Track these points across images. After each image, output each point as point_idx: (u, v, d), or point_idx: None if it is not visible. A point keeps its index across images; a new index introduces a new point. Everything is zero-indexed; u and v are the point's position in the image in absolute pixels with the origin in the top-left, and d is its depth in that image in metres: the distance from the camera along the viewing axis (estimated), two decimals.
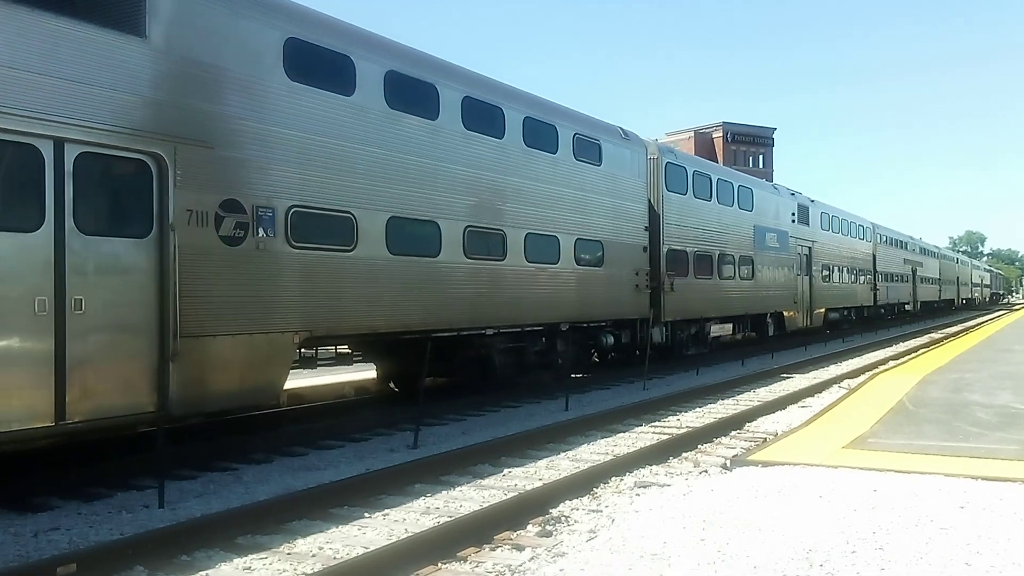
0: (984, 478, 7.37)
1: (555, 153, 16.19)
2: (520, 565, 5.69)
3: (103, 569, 5.95)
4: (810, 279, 31.02)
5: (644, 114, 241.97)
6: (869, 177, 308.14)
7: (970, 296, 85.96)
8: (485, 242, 14.15)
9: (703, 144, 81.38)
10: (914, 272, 53.16)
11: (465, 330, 13.75)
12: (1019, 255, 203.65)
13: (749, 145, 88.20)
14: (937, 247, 67.98)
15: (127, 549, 6.24)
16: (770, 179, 69.72)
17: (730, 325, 24.83)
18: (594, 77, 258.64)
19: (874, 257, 42.06)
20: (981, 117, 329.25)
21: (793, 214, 29.62)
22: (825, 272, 33.14)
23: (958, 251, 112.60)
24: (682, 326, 21.54)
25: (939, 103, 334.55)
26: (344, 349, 15.85)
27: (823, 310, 32.62)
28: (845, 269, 36.39)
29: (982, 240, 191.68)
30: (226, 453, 10.18)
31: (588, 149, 17.36)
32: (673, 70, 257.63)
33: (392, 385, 15.58)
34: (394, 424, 12.25)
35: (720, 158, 77.11)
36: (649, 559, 5.46)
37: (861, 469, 7.85)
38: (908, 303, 51.55)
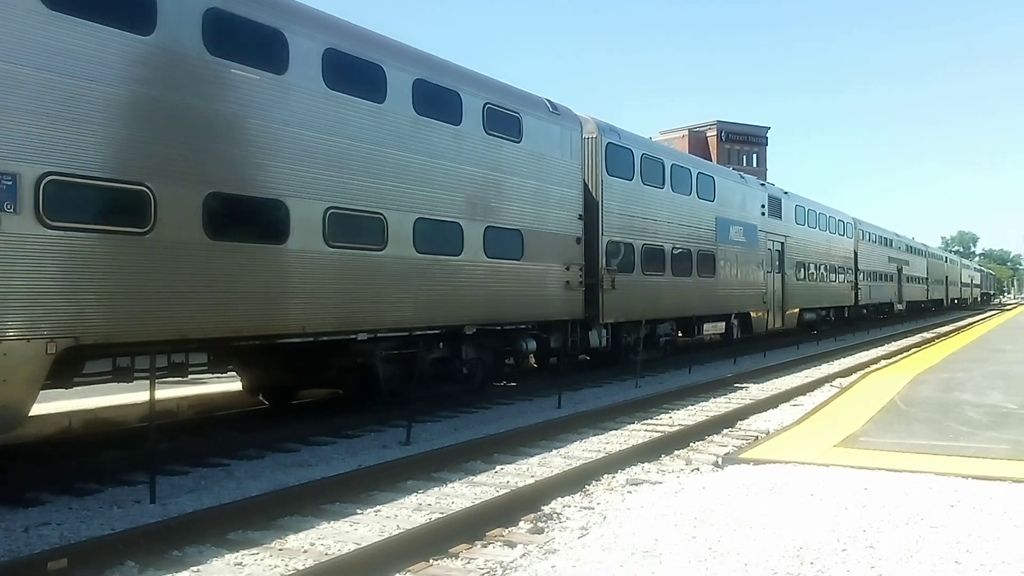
0: (974, 477, 7.39)
1: (458, 125, 13.67)
2: (512, 562, 5.69)
3: (94, 564, 5.94)
4: (782, 277, 28.97)
5: (638, 113, 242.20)
6: (862, 177, 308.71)
7: (960, 296, 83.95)
8: (357, 228, 11.68)
9: (697, 143, 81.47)
10: (900, 271, 51.24)
11: (327, 335, 11.36)
12: (1011, 255, 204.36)
13: (743, 144, 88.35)
14: (925, 245, 65.84)
15: (118, 544, 6.24)
16: (764, 178, 69.90)
17: (706, 327, 23.58)
18: (588, 75, 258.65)
19: (856, 254, 39.97)
20: (974, 118, 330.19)
21: (763, 206, 27.47)
22: (800, 270, 31.01)
23: (950, 251, 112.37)
24: (629, 328, 19.31)
25: (932, 103, 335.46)
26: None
27: (797, 310, 30.69)
28: (823, 267, 34.22)
29: (974, 240, 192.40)
30: (218, 449, 10.17)
31: (504, 122, 14.84)
32: (667, 69, 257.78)
33: (262, 398, 13.60)
34: (386, 421, 12.24)
35: (714, 157, 77.20)
36: (640, 556, 5.47)
37: (852, 468, 7.87)
38: (893, 303, 49.71)
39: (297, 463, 9.77)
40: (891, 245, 49.42)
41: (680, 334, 22.90)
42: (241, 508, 7.28)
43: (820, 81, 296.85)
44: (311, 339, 11.10)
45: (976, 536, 5.72)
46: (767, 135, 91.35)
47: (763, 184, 29.26)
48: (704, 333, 23.71)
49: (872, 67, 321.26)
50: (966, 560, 5.25)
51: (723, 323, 24.70)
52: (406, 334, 12.80)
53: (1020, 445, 8.71)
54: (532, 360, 17.86)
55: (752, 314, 26.03)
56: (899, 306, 50.55)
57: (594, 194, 17.86)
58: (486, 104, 14.39)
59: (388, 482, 8.51)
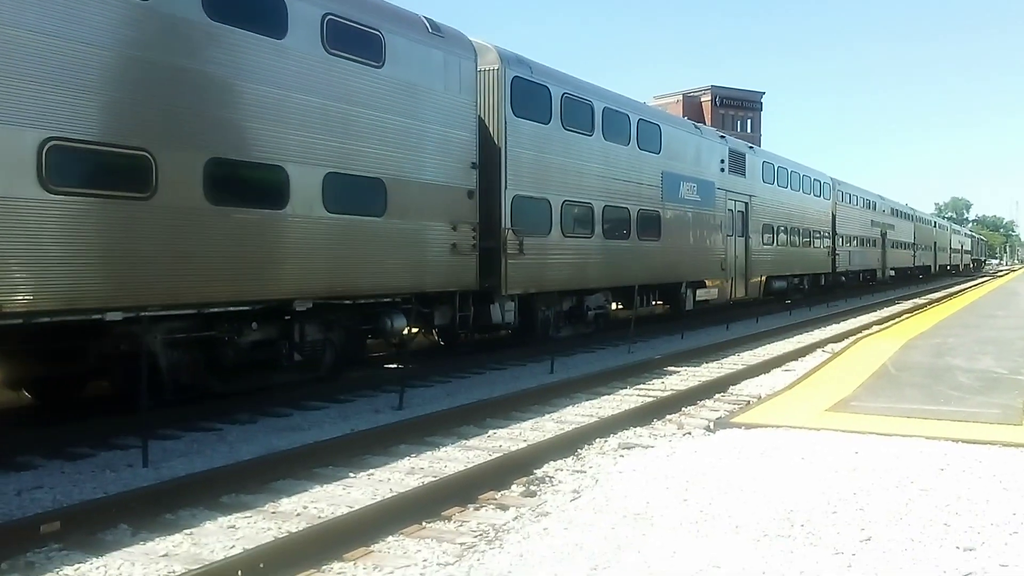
0: (964, 441, 7.44)
1: (281, 39, 10.58)
2: (504, 524, 5.72)
3: (87, 527, 5.95)
4: (746, 241, 26.22)
5: (632, 77, 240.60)
6: (856, 144, 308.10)
7: (948, 263, 79.99)
8: (106, 170, 8.76)
9: (691, 108, 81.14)
10: (884, 236, 47.76)
11: (50, 315, 8.35)
12: (1004, 221, 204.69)
13: (737, 109, 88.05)
14: (912, 209, 62.07)
15: (111, 507, 6.25)
16: (758, 144, 69.70)
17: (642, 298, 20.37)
18: (581, 38, 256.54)
19: (833, 217, 36.67)
20: (968, 83, 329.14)
21: (723, 161, 24.50)
22: (767, 233, 28.14)
23: (944, 217, 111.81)
24: (547, 301, 16.69)
25: (926, 68, 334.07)
26: None
27: (762, 278, 27.89)
28: (795, 230, 31.08)
29: (968, 207, 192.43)
30: (210, 413, 10.16)
31: (356, 41, 11.72)
32: (661, 33, 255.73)
33: (26, 392, 10.43)
34: (379, 386, 12.25)
35: (708, 121, 76.83)
36: (632, 519, 5.50)
37: (843, 432, 7.91)
38: (877, 270, 46.42)
39: (290, 427, 9.78)
40: (874, 208, 46.42)
41: (620, 306, 20.79)
42: (234, 471, 7.29)
43: (815, 47, 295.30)
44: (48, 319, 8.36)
45: (965, 499, 5.76)
46: (762, 100, 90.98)
47: (723, 136, 25.98)
48: (651, 304, 21.50)
49: (867, 31, 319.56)
50: (955, 523, 5.29)
51: (676, 292, 22.16)
52: (194, 312, 9.88)
53: (1010, 409, 8.77)
54: (425, 335, 15.02)
55: (708, 283, 23.58)
56: (884, 273, 47.93)
57: (495, 139, 14.87)
58: (327, 15, 11.21)
59: (381, 446, 8.53)
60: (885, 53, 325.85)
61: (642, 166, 19.86)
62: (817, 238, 34.17)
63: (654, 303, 21.72)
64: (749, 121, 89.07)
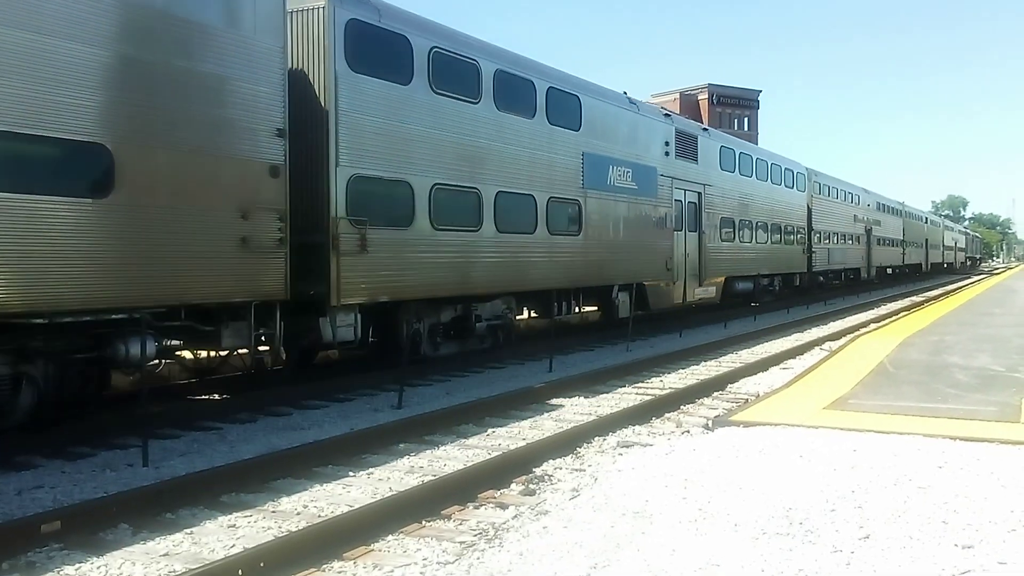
0: (962, 438, 7.47)
1: None
2: (504, 523, 5.74)
3: (87, 527, 5.95)
4: (699, 237, 22.93)
5: (630, 75, 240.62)
6: (852, 142, 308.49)
7: (941, 261, 75.76)
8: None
9: (689, 105, 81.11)
10: (869, 232, 44.09)
11: None
12: (1001, 219, 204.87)
13: (735, 107, 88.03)
14: (902, 203, 57.55)
15: (111, 507, 6.25)
16: (755, 141, 69.70)
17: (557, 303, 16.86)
18: (578, 36, 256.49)
19: (809, 211, 33.24)
20: (964, 82, 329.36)
21: (667, 144, 21.00)
22: (726, 228, 24.83)
23: (940, 215, 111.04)
24: (416, 311, 13.34)
25: (924, 66, 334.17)
26: None
27: (721, 279, 24.55)
28: (762, 225, 27.68)
29: (964, 204, 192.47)
30: (210, 413, 10.18)
31: None
32: (659, 31, 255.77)
33: None
34: (378, 385, 12.25)
35: (705, 119, 76.79)
36: (631, 517, 5.52)
37: (841, 429, 7.94)
38: (861, 269, 42.65)
39: (289, 426, 9.79)
40: (857, 202, 42.76)
41: (534, 314, 18.27)
42: (234, 471, 7.30)
43: (812, 44, 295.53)
44: None
45: (963, 496, 5.78)
46: (759, 98, 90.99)
47: (668, 115, 22.44)
48: (573, 312, 18.17)
49: (865, 28, 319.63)
50: (953, 520, 5.31)
51: (607, 296, 18.74)
52: None
53: (1007, 407, 8.80)
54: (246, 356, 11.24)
55: (650, 285, 19.94)
56: (869, 273, 44.20)
57: (321, 99, 11.42)
58: None
59: (380, 445, 8.54)
60: (883, 51, 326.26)
61: (554, 145, 16.34)
62: (790, 234, 30.76)
63: (576, 309, 18.29)
64: (746, 119, 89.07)
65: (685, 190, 22.16)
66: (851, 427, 8.01)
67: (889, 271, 51.70)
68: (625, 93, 19.92)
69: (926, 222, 68.79)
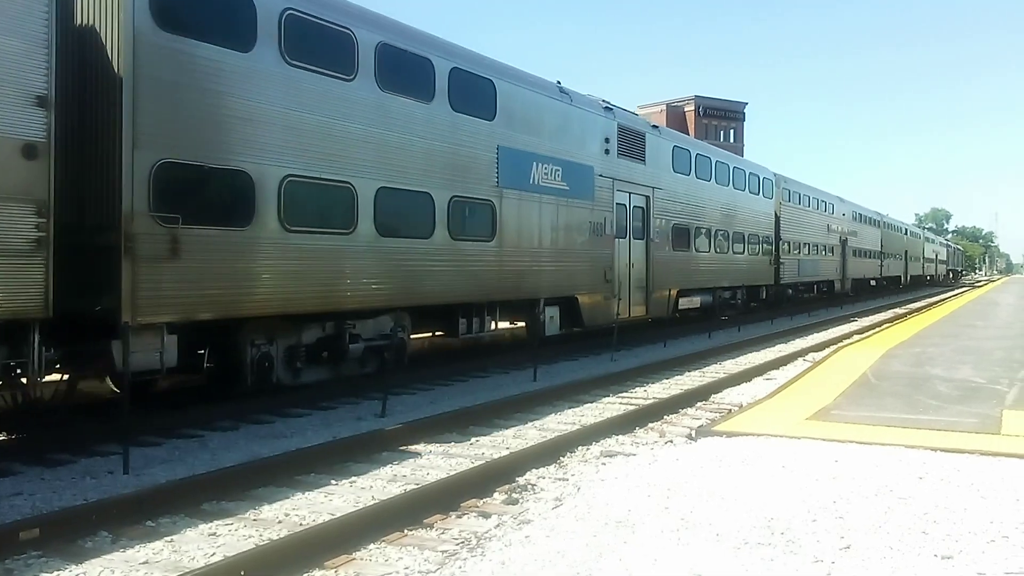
0: (943, 450, 7.51)
1: None
2: (486, 532, 5.73)
3: (67, 534, 5.91)
4: (647, 245, 20.75)
5: (617, 87, 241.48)
6: (837, 156, 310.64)
7: (922, 273, 74.01)
8: None
9: (675, 117, 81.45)
10: (844, 243, 42.13)
11: None
12: (983, 232, 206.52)
13: (721, 119, 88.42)
14: (880, 213, 55.34)
15: (91, 515, 6.20)
16: (741, 153, 70.00)
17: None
18: (566, 49, 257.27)
19: (777, 220, 31.18)
20: (948, 94, 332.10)
21: (607, 141, 18.82)
22: (679, 236, 22.64)
23: (924, 227, 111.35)
24: (273, 331, 11.21)
25: (908, 81, 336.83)
26: None
27: (672, 292, 22.21)
28: (722, 234, 25.64)
29: (947, 217, 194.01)
30: (192, 420, 10.11)
31: None
32: (646, 43, 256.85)
33: None
34: (361, 393, 12.22)
35: (692, 131, 77.22)
36: (614, 526, 5.52)
37: (823, 440, 7.97)
38: (835, 281, 40.80)
39: (272, 434, 9.75)
40: (832, 211, 40.68)
41: (438, 333, 16.14)
42: (215, 479, 7.26)
43: (799, 61, 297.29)
44: None
45: (944, 507, 5.82)
46: (744, 110, 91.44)
47: (610, 108, 19.58)
48: (490, 330, 15.81)
49: (850, 43, 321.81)
50: (933, 531, 5.34)
51: (530, 311, 16.53)
52: None
53: (988, 419, 8.86)
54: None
55: (584, 299, 17.81)
56: (844, 285, 42.26)
57: (115, 63, 9.10)
58: None
59: (363, 453, 8.52)
60: (869, 66, 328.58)
61: (459, 135, 14.11)
62: (755, 244, 28.66)
63: (494, 326, 15.90)
64: (732, 131, 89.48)
65: (630, 193, 19.93)
66: (833, 438, 8.04)
67: (873, 283, 50.96)
68: (558, 82, 17.75)
69: (906, 233, 66.76)
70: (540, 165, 16.31)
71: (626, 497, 6.22)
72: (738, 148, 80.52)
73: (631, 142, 20.02)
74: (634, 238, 20.17)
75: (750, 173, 28.62)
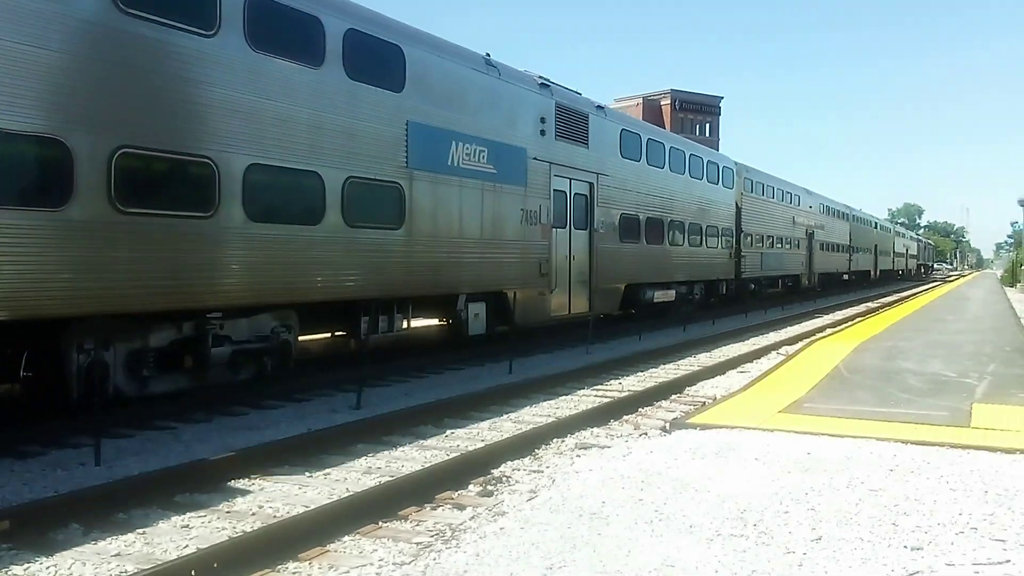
0: (914, 442, 7.59)
1: None
2: (461, 524, 5.73)
3: (37, 526, 5.85)
4: (590, 236, 19.10)
5: (594, 80, 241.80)
6: (811, 151, 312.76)
7: (892, 268, 72.35)
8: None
9: (651, 111, 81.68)
10: (811, 236, 40.64)
11: None
12: (955, 227, 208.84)
13: (697, 113, 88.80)
14: (849, 206, 53.64)
15: (62, 507, 6.15)
16: (716, 147, 70.25)
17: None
18: (541, 40, 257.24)
19: (739, 211, 29.73)
20: (920, 95, 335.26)
21: (543, 121, 17.12)
22: (627, 227, 20.92)
23: (896, 222, 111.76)
24: (110, 333, 9.41)
25: (881, 75, 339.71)
26: None
27: (620, 286, 20.67)
28: (676, 225, 24.04)
29: (920, 212, 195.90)
30: (165, 412, 10.04)
31: None
32: (624, 36, 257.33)
33: None
34: (337, 385, 12.18)
35: (668, 125, 77.50)
36: (588, 518, 5.54)
37: (796, 432, 8.03)
38: (801, 276, 39.37)
39: (245, 426, 9.70)
40: (798, 203, 38.94)
41: (340, 333, 14.24)
42: (188, 471, 7.22)
43: (776, 57, 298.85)
44: None
45: (913, 499, 5.88)
46: (720, 104, 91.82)
47: (547, 85, 17.69)
48: (402, 329, 13.86)
49: (829, 39, 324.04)
50: (903, 522, 5.40)
51: (451, 308, 14.96)
52: None
53: (958, 412, 8.96)
54: None
55: (515, 295, 15.92)
56: (811, 280, 40.92)
57: None
58: None
59: (338, 446, 8.50)
60: (843, 61, 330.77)
61: (357, 107, 12.24)
62: (713, 236, 27.06)
63: (405, 325, 13.97)
64: (708, 125, 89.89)
65: (570, 179, 18.27)
66: (806, 430, 8.11)
67: (846, 277, 50.62)
68: (487, 55, 15.92)
69: (876, 227, 64.92)
70: (461, 145, 14.48)
71: (600, 489, 6.24)
72: (714, 142, 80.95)
73: (571, 123, 18.36)
74: (575, 228, 18.57)
75: (708, 161, 27.03)
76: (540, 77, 17.61)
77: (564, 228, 18.09)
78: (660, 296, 22.89)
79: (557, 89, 18.11)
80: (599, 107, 20.24)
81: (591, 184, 19.14)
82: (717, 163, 27.90)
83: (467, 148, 14.66)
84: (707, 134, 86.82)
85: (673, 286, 23.77)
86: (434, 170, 13.84)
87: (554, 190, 17.58)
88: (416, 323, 14.88)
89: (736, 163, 30.05)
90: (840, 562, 4.75)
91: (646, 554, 4.88)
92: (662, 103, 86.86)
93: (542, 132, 17.11)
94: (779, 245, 35.46)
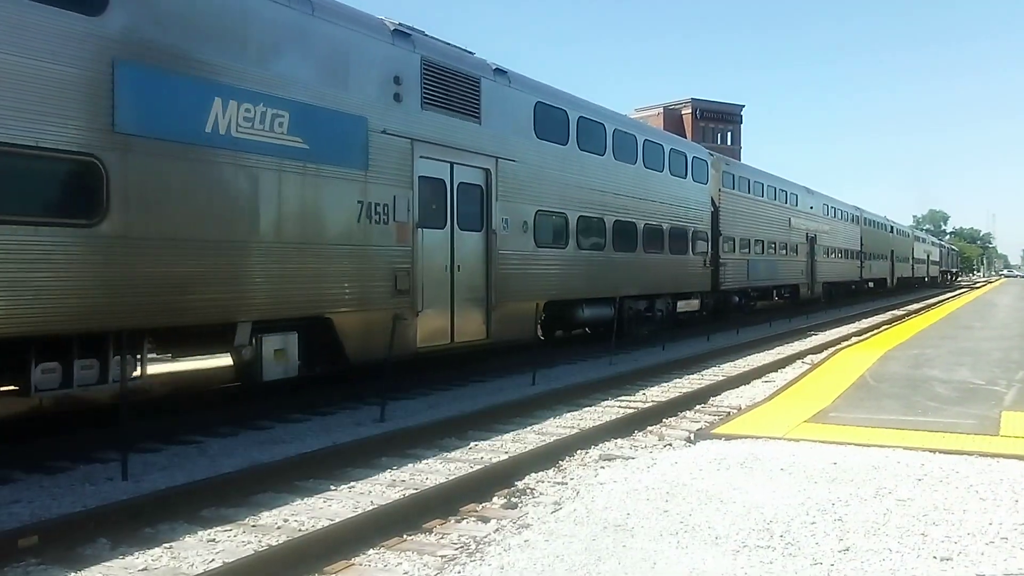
0: (942, 451, 7.51)
1: None
2: (485, 536, 5.72)
3: (65, 541, 5.90)
4: (485, 239, 14.70)
5: (615, 89, 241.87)
6: (835, 160, 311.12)
7: (911, 275, 67.82)
8: None
9: (672, 120, 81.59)
10: (813, 241, 36.47)
11: None
12: (981, 234, 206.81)
13: (718, 122, 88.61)
14: (860, 208, 48.98)
15: (89, 521, 6.20)
16: (738, 156, 70.00)
17: None
18: (564, 51, 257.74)
19: (716, 210, 25.50)
20: (947, 98, 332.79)
21: (398, 82, 12.73)
22: (546, 227, 16.47)
23: (921, 229, 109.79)
24: None
25: (906, 81, 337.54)
26: None
27: (533, 305, 15.76)
28: (622, 227, 19.24)
29: (945, 219, 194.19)
30: (191, 427, 10.10)
31: None
32: (645, 46, 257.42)
33: None
34: (361, 398, 12.22)
35: (689, 134, 77.43)
36: (612, 530, 5.52)
37: (822, 442, 7.97)
38: (801, 286, 35.17)
39: (271, 440, 9.74)
40: (795, 203, 34.63)
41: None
42: (214, 485, 7.26)
43: (797, 63, 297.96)
44: None
45: (942, 509, 5.82)
46: (742, 113, 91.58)
47: (407, 34, 13.21)
48: (135, 377, 9.47)
49: (848, 42, 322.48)
50: (932, 533, 5.34)
51: (239, 340, 10.45)
52: None
53: (986, 420, 8.86)
54: None
55: (348, 320, 11.82)
56: (812, 290, 36.71)
57: None
58: None
59: (362, 459, 8.51)
60: (866, 69, 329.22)
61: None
62: (680, 240, 22.47)
63: (137, 372, 9.63)
64: (729, 133, 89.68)
65: (452, 164, 13.82)
66: (832, 440, 8.04)
67: (872, 284, 48.24)
68: None
69: (892, 231, 59.92)
70: (236, 105, 10.19)
71: (625, 500, 6.22)
72: (735, 151, 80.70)
73: (450, 88, 13.83)
74: (462, 229, 14.11)
75: (672, 150, 22.34)
76: (398, 23, 13.09)
77: (442, 229, 13.68)
78: (597, 314, 18.39)
79: (424, 40, 13.53)
80: (499, 71, 15.41)
81: (487, 172, 14.71)
82: (685, 153, 23.26)
83: (248, 110, 10.34)
84: (728, 142, 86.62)
85: (623, 303, 19.50)
86: (176, 137, 9.50)
87: (421, 177, 13.06)
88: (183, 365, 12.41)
89: (712, 154, 26.02)
90: (868, 573, 4.70)
91: (672, 566, 4.85)
92: (683, 112, 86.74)
93: (396, 97, 12.67)
94: (771, 251, 31.31)
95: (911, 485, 6.45)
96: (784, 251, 32.80)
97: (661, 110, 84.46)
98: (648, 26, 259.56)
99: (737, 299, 28.50)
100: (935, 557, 4.92)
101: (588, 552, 5.12)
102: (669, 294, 22.15)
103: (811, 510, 5.83)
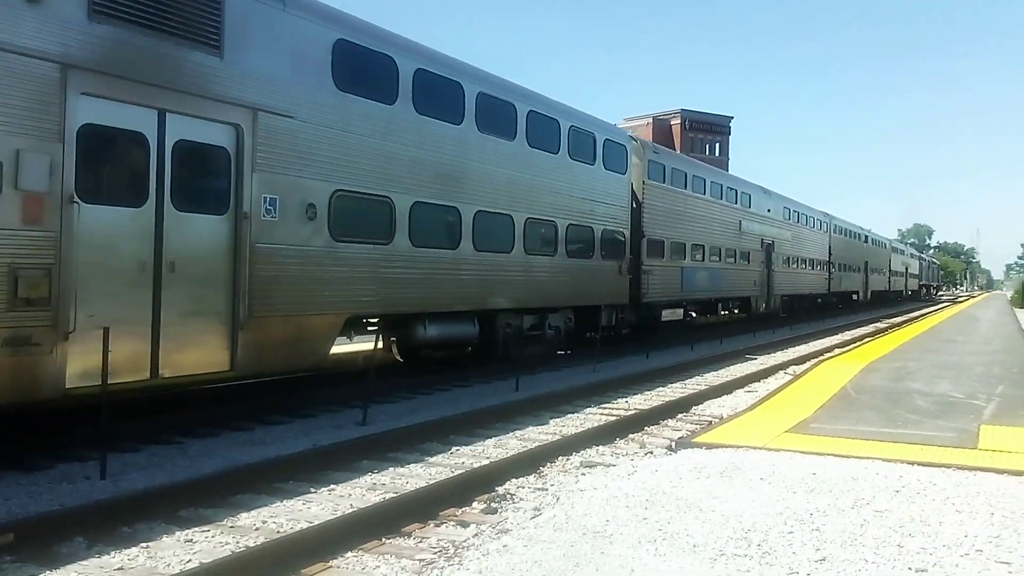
0: (920, 463, 7.56)
1: None
2: (464, 541, 5.72)
3: (42, 540, 5.87)
4: (234, 226, 10.31)
5: (604, 100, 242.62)
6: (820, 172, 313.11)
7: (887, 288, 63.12)
8: None
9: (661, 131, 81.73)
10: (769, 250, 32.40)
11: None
12: (965, 248, 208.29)
13: (707, 133, 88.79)
14: (829, 215, 44.54)
15: (66, 520, 6.17)
16: (726, 167, 70.19)
17: None
18: (553, 61, 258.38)
19: (639, 208, 21.57)
20: (932, 113, 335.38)
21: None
22: (353, 212, 12.12)
23: (906, 243, 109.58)
24: None
25: (891, 96, 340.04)
26: None
27: (328, 319, 11.68)
28: (487, 218, 15.13)
29: (930, 233, 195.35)
30: (171, 427, 10.06)
31: None
32: (634, 57, 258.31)
33: None
34: (343, 401, 12.18)
35: (678, 145, 77.63)
36: (591, 536, 5.52)
37: (802, 453, 8.01)
38: (754, 299, 31.21)
39: (251, 441, 9.70)
40: (747, 204, 30.40)
41: None
42: (193, 485, 7.22)
43: (786, 77, 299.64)
44: None
45: (919, 521, 5.86)
46: (730, 124, 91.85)
47: None
48: None
49: (836, 57, 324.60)
50: (908, 544, 5.37)
51: None
52: None
53: (965, 433, 8.92)
54: None
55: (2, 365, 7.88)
56: (768, 303, 32.80)
57: None
58: None
59: (343, 461, 8.49)
60: (852, 83, 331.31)
61: None
62: (584, 241, 18.53)
63: None
64: (718, 144, 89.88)
65: (164, 111, 9.47)
66: (812, 450, 8.08)
67: (819, 300, 42.04)
68: None
69: (867, 241, 55.15)
70: None
71: (604, 508, 6.23)
72: (723, 162, 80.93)
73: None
74: (180, 209, 9.65)
75: (573, 127, 18.00)
76: None
77: (135, 207, 9.26)
78: (448, 332, 14.61)
79: None
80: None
81: (237, 129, 10.36)
82: (593, 134, 18.87)
83: None
84: (717, 153, 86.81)
85: (493, 317, 15.75)
86: None
87: (87, 125, 8.70)
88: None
89: (636, 140, 22.03)
90: None
91: (649, 574, 4.86)
92: (672, 123, 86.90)
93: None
94: (715, 258, 27.11)
95: (889, 497, 6.48)
96: (732, 259, 28.75)
97: (650, 120, 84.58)
98: (638, 37, 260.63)
99: (686, 316, 25.10)
100: (910, 568, 4.95)
101: (566, 558, 5.13)
102: (569, 307, 18.34)
103: (789, 520, 5.86)
